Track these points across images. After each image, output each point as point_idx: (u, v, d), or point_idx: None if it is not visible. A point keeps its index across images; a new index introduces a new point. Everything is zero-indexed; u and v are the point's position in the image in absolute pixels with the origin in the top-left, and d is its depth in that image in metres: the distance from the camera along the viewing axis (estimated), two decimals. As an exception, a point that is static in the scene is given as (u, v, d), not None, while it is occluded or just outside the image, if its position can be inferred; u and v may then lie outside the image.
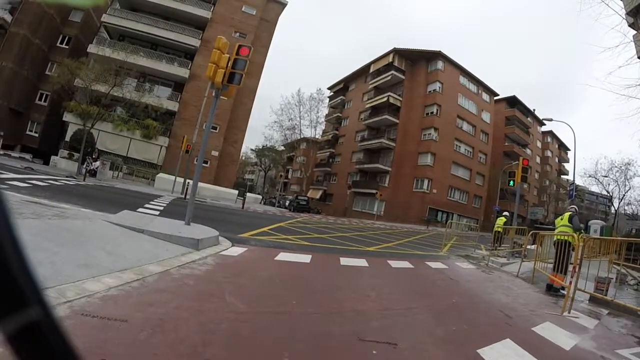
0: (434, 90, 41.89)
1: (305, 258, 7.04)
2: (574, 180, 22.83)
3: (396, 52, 43.32)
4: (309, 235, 11.81)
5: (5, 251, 0.38)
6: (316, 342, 3.13)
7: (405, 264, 8.47)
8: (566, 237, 7.17)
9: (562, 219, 8.02)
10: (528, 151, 52.10)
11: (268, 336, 3.08)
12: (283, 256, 6.90)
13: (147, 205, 12.04)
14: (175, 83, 32.96)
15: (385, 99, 42.87)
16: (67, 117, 29.14)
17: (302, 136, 50.62)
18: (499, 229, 14.37)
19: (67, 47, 32.10)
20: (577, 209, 8.15)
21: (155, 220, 8.45)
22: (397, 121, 42.84)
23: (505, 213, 16.59)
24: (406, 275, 7.44)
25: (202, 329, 2.94)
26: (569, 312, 5.51)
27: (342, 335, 3.36)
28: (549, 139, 61.16)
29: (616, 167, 39.80)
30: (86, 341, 2.29)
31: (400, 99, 43.17)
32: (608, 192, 42.09)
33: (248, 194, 30.61)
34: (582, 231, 8.34)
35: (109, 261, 4.23)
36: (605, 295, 6.50)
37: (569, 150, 60.29)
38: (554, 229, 8.36)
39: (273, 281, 5.04)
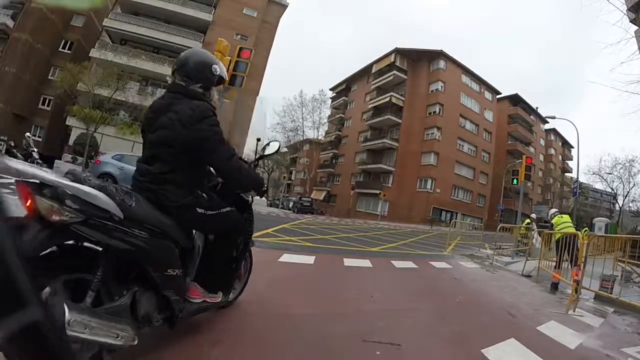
0: (437, 89, 41.90)
1: (309, 259, 7.03)
2: (577, 177, 22.81)
3: (398, 52, 43.34)
4: (313, 237, 11.81)
5: (6, 254, 0.38)
6: (319, 343, 3.12)
7: (409, 264, 8.45)
8: (574, 231, 7.43)
9: (562, 217, 8.50)
10: (531, 149, 51.92)
11: (271, 337, 3.09)
12: (286, 257, 6.90)
13: (150, 208, 12.06)
14: (177, 86, 32.98)
15: (388, 99, 42.88)
16: (70, 121, 29.28)
17: (304, 137, 50.63)
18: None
19: (69, 51, 32.26)
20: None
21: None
22: (400, 121, 42.84)
23: (532, 215, 16.47)
24: (410, 275, 7.42)
25: (208, 330, 2.94)
26: (574, 311, 5.49)
27: (346, 336, 3.36)
28: (552, 137, 60.97)
29: (620, 164, 39.70)
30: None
31: (403, 98, 43.18)
32: (612, 189, 41.98)
33: None
34: (588, 228, 8.51)
35: (113, 264, 4.24)
36: (611, 293, 6.47)
37: (573, 147, 60.17)
38: (552, 229, 8.56)
39: (276, 282, 5.04)
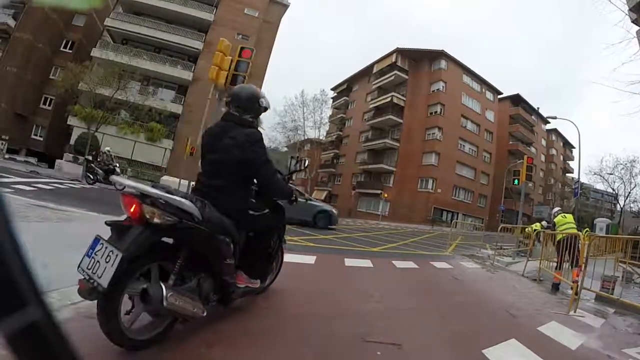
0: (438, 89, 41.85)
1: (310, 259, 7.02)
2: (579, 178, 22.73)
3: (399, 52, 43.30)
4: (313, 236, 11.80)
5: (6, 253, 0.38)
6: (320, 343, 3.13)
7: (410, 264, 8.45)
8: (576, 231, 7.44)
9: (565, 217, 8.41)
10: (532, 149, 51.79)
11: (273, 337, 3.09)
12: (287, 257, 6.83)
13: (151, 208, 12.01)
14: (178, 86, 33.05)
15: (389, 99, 42.85)
16: (71, 120, 29.26)
17: (305, 137, 50.54)
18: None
19: (70, 51, 32.25)
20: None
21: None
22: (401, 121, 42.82)
23: (543, 223, 16.08)
24: (411, 275, 7.42)
25: (207, 330, 2.95)
26: (575, 311, 5.48)
27: (346, 336, 3.36)
28: (554, 137, 60.80)
29: (621, 164, 39.51)
30: (90, 344, 2.30)
31: (404, 98, 43.14)
32: (613, 189, 41.82)
33: None
34: (589, 229, 8.47)
35: (114, 264, 4.24)
36: (612, 294, 6.46)
37: (574, 148, 59.97)
38: (554, 229, 8.50)
39: (277, 282, 5.03)
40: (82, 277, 2.10)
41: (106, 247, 2.10)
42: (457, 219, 30.68)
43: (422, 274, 7.78)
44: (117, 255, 2.04)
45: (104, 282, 2.01)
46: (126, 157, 30.37)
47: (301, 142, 51.18)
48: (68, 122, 29.62)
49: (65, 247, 4.44)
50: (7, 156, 26.31)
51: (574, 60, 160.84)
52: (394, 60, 43.44)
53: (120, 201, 2.32)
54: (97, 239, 2.18)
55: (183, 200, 2.41)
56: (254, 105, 3.06)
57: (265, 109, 3.16)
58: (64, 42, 32.70)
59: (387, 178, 43.52)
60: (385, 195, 38.03)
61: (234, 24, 33.50)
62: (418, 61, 43.84)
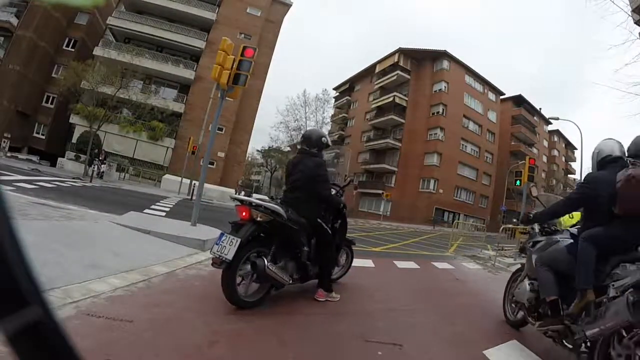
0: (440, 89, 41.78)
1: (311, 259, 7.01)
2: (581, 179, 22.66)
3: (401, 52, 43.26)
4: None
5: (6, 251, 0.38)
6: (321, 342, 3.12)
7: (411, 265, 8.44)
8: None
9: (572, 218, 7.99)
10: (535, 150, 51.68)
11: (273, 336, 3.08)
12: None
13: (153, 207, 12.06)
14: (180, 85, 33.11)
15: (391, 99, 42.82)
16: (73, 119, 29.33)
17: (307, 137, 50.45)
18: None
19: (73, 49, 32.32)
20: None
21: (162, 221, 8.47)
22: (403, 121, 42.78)
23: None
24: (412, 275, 7.41)
25: (207, 329, 2.94)
26: (577, 313, 5.44)
27: (348, 336, 3.36)
28: (556, 138, 60.63)
29: (623, 166, 39.32)
30: (91, 341, 2.30)
31: (406, 98, 43.11)
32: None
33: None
34: None
35: (115, 262, 4.24)
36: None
37: (576, 149, 59.80)
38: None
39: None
40: (215, 256, 3.27)
41: (229, 237, 3.29)
42: (458, 220, 30.64)
43: (423, 274, 7.77)
44: (237, 240, 3.25)
45: (230, 256, 3.20)
46: (128, 155, 30.42)
47: (303, 142, 51.16)
48: (70, 121, 29.69)
49: (66, 245, 4.45)
50: (9, 154, 26.36)
51: (575, 61, 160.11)
52: (396, 60, 43.39)
53: (236, 209, 3.62)
54: (222, 233, 3.36)
55: (275, 205, 3.63)
56: (320, 143, 4.33)
57: (327, 145, 4.42)
58: (67, 40, 32.77)
59: (388, 178, 43.52)
60: (387, 195, 38.00)
61: (237, 23, 33.54)
62: (420, 61, 43.79)
